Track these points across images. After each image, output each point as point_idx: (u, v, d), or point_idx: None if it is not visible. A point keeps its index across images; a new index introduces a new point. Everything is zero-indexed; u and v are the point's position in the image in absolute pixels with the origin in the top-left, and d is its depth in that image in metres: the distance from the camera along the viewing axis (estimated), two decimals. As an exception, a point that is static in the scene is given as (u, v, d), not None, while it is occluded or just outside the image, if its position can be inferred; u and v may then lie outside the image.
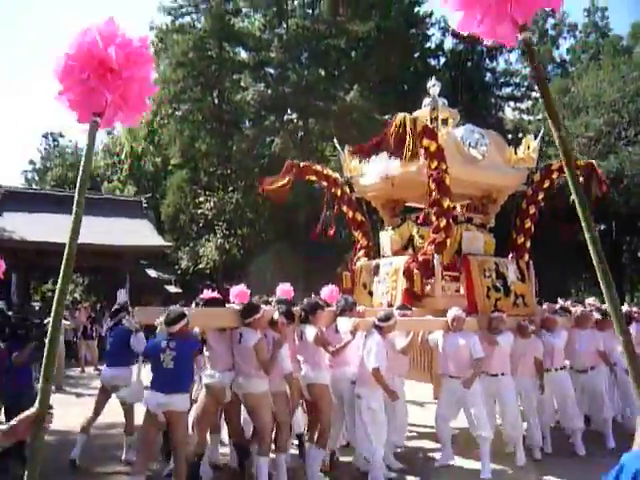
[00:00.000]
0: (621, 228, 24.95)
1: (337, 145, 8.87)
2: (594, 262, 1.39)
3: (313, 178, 8.33)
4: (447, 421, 5.78)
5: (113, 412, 6.13)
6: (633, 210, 21.17)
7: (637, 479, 1.14)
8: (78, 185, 1.77)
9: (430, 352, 6.47)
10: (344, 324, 5.23)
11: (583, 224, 1.39)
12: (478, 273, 6.88)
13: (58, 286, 1.70)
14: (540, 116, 27.38)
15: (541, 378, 6.08)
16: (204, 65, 25.05)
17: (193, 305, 5.54)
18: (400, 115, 6.58)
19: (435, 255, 6.81)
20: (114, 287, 18.69)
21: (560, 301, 8.45)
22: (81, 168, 1.79)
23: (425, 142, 6.53)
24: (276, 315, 4.95)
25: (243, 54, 27.25)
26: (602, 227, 26.47)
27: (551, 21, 31.73)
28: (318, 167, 8.40)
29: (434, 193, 6.70)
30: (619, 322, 1.38)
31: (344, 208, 8.23)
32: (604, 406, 6.44)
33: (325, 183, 8.26)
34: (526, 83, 32.83)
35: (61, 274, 1.68)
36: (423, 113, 7.67)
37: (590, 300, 8.48)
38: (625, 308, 7.67)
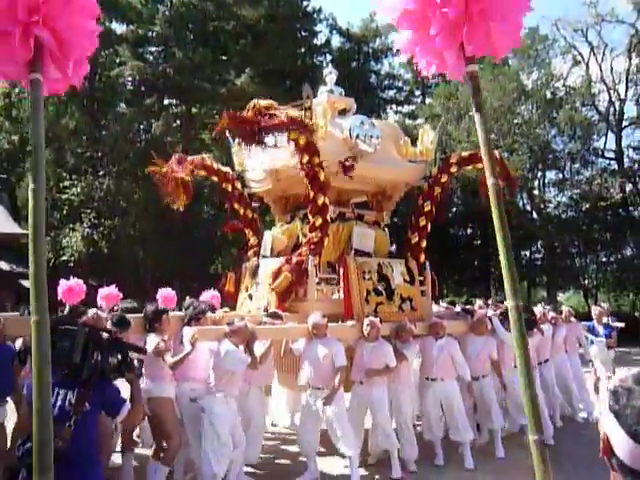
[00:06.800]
0: (492, 232, 26.48)
1: (228, 135, 7.91)
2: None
3: (202, 173, 7.52)
4: (310, 434, 5.42)
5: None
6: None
7: None
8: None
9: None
10: (188, 334, 4.87)
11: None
12: (356, 275, 6.35)
13: None
14: (421, 120, 28.34)
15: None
16: (74, 34, 22.62)
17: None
18: (254, 101, 5.85)
19: (310, 256, 6.23)
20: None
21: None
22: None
23: (292, 135, 5.92)
24: (109, 324, 4.61)
25: (121, 28, 25.15)
26: (469, 231, 28.12)
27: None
28: (208, 161, 7.56)
29: (308, 189, 6.21)
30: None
31: (235, 205, 7.56)
32: (493, 415, 6.31)
33: (215, 178, 7.53)
34: (408, 87, 34.00)
35: None
36: (319, 102, 7.06)
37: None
38: (539, 309, 7.55)
